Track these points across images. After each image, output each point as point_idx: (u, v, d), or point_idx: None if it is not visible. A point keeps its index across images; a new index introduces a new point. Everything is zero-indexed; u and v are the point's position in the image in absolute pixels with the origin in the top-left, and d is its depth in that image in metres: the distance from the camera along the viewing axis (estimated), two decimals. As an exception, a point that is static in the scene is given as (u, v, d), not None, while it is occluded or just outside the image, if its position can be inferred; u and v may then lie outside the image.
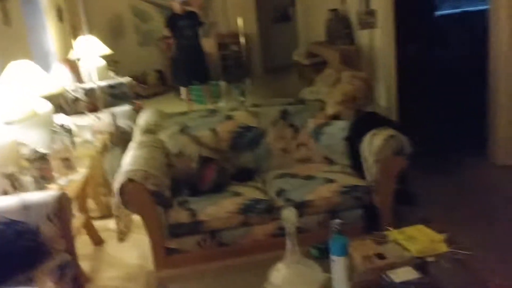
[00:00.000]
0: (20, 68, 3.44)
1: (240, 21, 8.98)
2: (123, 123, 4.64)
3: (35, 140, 3.37)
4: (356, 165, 3.01)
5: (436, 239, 2.08)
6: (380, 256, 1.95)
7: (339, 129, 3.23)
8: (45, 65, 5.26)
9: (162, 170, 2.88)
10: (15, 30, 4.84)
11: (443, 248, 2.03)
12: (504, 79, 3.98)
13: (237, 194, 2.86)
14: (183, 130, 3.28)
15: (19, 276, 2.17)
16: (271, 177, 3.10)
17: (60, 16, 6.96)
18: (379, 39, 5.16)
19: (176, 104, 7.52)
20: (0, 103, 2.90)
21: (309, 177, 2.97)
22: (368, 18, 5.13)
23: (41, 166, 2.96)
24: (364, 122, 3.15)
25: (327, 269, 1.82)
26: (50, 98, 3.63)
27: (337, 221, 1.85)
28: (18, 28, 4.97)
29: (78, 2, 5.60)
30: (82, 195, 3.34)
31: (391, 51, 4.95)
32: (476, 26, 4.57)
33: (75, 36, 6.76)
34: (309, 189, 2.83)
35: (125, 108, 5.23)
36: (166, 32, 6.83)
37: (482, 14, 4.47)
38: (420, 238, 2.09)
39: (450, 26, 6.16)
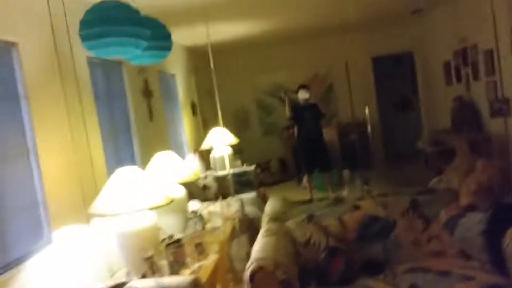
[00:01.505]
0: (164, 158, 3.80)
1: (365, 109, 9.09)
2: (249, 210, 4.80)
3: (170, 225, 3.62)
4: (498, 261, 2.78)
5: None
6: None
7: (475, 222, 3.03)
8: (180, 155, 5.71)
9: (290, 259, 2.89)
10: (157, 124, 5.38)
11: None
12: None
13: (365, 287, 2.76)
14: (310, 219, 3.30)
15: None
16: (401, 271, 2.96)
17: (193, 111, 7.62)
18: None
19: (297, 191, 7.64)
20: (143, 190, 3.19)
21: (444, 273, 2.79)
22: (501, 106, 4.92)
23: (176, 251, 3.13)
24: (504, 214, 2.94)
25: None
26: (184, 185, 3.91)
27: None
28: (160, 123, 5.52)
29: (210, 98, 6.13)
30: (212, 281, 3.44)
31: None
32: None
33: (205, 128, 7.33)
34: (446, 286, 2.64)
35: (250, 195, 5.43)
36: (291, 121, 7.15)
37: None
38: None
39: None
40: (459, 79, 7.05)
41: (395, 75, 10.68)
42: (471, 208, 3.17)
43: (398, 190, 3.71)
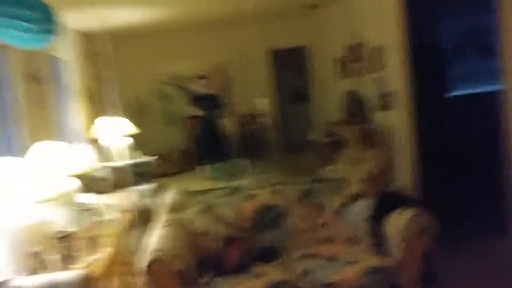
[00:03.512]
0: (51, 148, 3.58)
1: (260, 102, 9.30)
2: (148, 201, 4.72)
3: (62, 218, 3.45)
4: (381, 244, 3.00)
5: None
6: None
7: (362, 208, 3.25)
8: (74, 145, 5.45)
9: (188, 249, 2.90)
10: (47, 113, 5.07)
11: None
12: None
13: (261, 274, 2.84)
14: (208, 208, 3.33)
15: None
16: (295, 257, 3.09)
17: (90, 98, 7.30)
18: (398, 120, 5.28)
19: (199, 181, 7.62)
20: (31, 182, 3.01)
21: (334, 258, 2.95)
22: (386, 99, 5.28)
23: (67, 245, 3.01)
24: (388, 201, 3.17)
25: None
26: (78, 177, 3.75)
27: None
28: (50, 111, 5.21)
29: (106, 85, 5.91)
30: (107, 274, 3.34)
31: (410, 131, 5.05)
32: (489, 106, 4.67)
33: (102, 117, 7.04)
34: (335, 270, 2.80)
35: (149, 186, 5.33)
36: (190, 111, 7.09)
37: (494, 95, 4.58)
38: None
39: (464, 106, 6.30)
40: (350, 74, 7.45)
41: (291, 68, 11.05)
42: (360, 195, 3.38)
43: (292, 179, 3.85)
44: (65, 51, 6.41)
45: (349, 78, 7.51)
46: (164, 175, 7.95)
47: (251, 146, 9.61)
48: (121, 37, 8.28)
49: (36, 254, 2.78)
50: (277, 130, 10.13)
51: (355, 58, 7.04)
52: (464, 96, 7.02)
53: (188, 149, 9.42)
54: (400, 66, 5.04)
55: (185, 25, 8.73)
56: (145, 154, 6.64)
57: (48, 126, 5.07)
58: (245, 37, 9.57)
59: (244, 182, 7.33)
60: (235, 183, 6.99)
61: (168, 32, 9.14)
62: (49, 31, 3.36)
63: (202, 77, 7.00)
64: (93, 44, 7.59)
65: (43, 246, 2.91)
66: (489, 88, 6.44)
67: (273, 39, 9.67)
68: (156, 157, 6.34)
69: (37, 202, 2.98)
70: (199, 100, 6.94)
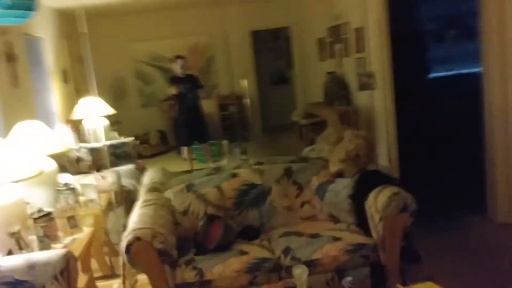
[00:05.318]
0: (27, 128, 3.50)
1: (243, 83, 9.24)
2: (126, 182, 4.66)
3: (40, 199, 3.39)
4: (361, 222, 3.02)
5: (446, 297, 2.08)
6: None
7: (343, 187, 3.26)
8: (49, 126, 5.34)
9: (169, 228, 2.87)
10: (22, 92, 4.96)
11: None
12: (499, 137, 4.07)
13: (243, 252, 2.84)
14: (189, 188, 3.30)
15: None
16: (276, 235, 3.09)
17: (65, 78, 7.15)
18: (378, 100, 5.30)
19: (178, 163, 7.58)
20: (7, 162, 2.93)
21: (315, 235, 2.97)
22: (367, 80, 5.29)
23: (46, 225, 2.95)
24: (368, 180, 3.19)
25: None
26: (54, 157, 3.67)
27: (349, 278, 1.85)
28: (25, 90, 5.09)
29: (83, 65, 5.77)
30: (86, 255, 3.30)
31: (390, 112, 5.08)
32: (468, 87, 4.72)
33: (78, 97, 6.91)
34: (316, 247, 2.82)
35: (128, 167, 5.27)
36: (171, 90, 6.98)
37: (475, 76, 4.63)
38: (430, 296, 2.08)
39: (444, 88, 6.35)
40: (332, 55, 7.44)
41: (273, 49, 11.00)
42: (339, 174, 3.40)
43: (273, 159, 3.84)
44: (41, 29, 6.25)
45: (330, 60, 7.51)
46: (143, 156, 7.89)
47: (232, 127, 9.59)
48: (99, 16, 8.12)
49: (13, 234, 2.72)
50: (258, 111, 10.12)
51: (337, 39, 7.03)
52: (443, 77, 7.09)
53: (166, 130, 9.34)
54: (381, 48, 5.04)
55: (165, 4, 8.58)
56: (122, 135, 6.55)
57: (23, 105, 4.96)
58: (226, 17, 9.47)
59: (224, 162, 7.34)
60: (214, 164, 7.00)
61: (147, 11, 8.99)
62: (27, 7, 3.27)
63: (180, 57, 6.88)
64: (69, 22, 7.40)
65: (20, 226, 2.86)
66: (467, 70, 6.53)
67: (254, 20, 9.60)
68: (133, 138, 6.25)
69: (14, 182, 2.91)
70: (177, 80, 6.83)
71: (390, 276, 2.78)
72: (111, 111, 6.22)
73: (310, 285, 2.40)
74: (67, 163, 5.14)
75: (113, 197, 4.05)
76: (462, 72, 6.94)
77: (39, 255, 2.47)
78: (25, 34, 5.45)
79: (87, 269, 3.36)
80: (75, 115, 6.04)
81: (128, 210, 3.16)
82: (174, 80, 6.90)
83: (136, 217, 2.88)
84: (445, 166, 5.08)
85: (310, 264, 2.69)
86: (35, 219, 2.95)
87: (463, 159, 4.75)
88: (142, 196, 3.30)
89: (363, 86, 5.45)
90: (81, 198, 3.71)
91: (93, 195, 3.82)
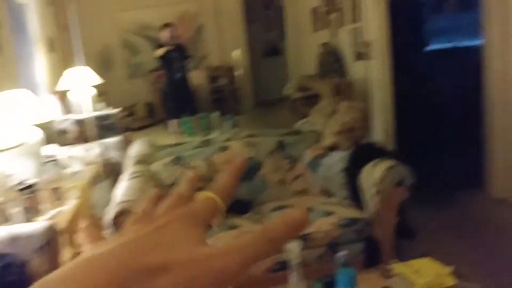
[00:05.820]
0: (11, 96, 3.36)
1: (234, 54, 9.05)
2: (113, 154, 4.54)
3: (23, 170, 3.27)
4: (355, 197, 2.95)
5: (443, 272, 2.02)
6: (389, 291, 1.88)
7: (336, 160, 3.18)
8: (35, 96, 5.17)
9: (156, 201, 2.77)
10: (4, 60, 4.77)
11: (451, 281, 1.97)
12: (499, 112, 3.99)
13: (234, 227, 2.77)
14: (177, 160, 3.20)
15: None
16: (267, 209, 3.02)
17: (51, 47, 6.93)
18: (375, 71, 5.17)
19: (165, 136, 7.44)
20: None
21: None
22: (363, 49, 5.16)
23: (29, 197, 2.85)
24: (362, 153, 3.11)
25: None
26: (40, 127, 3.55)
27: (343, 252, 1.77)
28: (8, 57, 4.90)
29: (69, 33, 5.59)
30: (71, 227, 3.21)
31: (387, 83, 4.97)
32: (468, 61, 4.61)
33: (66, 66, 6.71)
34: (309, 221, 2.74)
35: (114, 139, 5.14)
36: (156, 62, 6.80)
37: (474, 48, 4.53)
38: (427, 272, 2.02)
39: (442, 60, 6.24)
40: (326, 26, 7.27)
41: (265, 19, 10.76)
42: (333, 148, 3.31)
43: (265, 132, 3.74)
44: (24, -5, 6.01)
45: (324, 30, 7.34)
46: (130, 129, 7.73)
47: (222, 100, 9.43)
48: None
49: (-5, 206, 2.62)
50: (249, 84, 9.95)
51: (332, 8, 6.85)
52: (442, 50, 6.96)
53: (154, 102, 9.16)
54: (378, 18, 4.90)
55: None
56: (109, 106, 6.39)
57: (7, 74, 4.78)
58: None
59: (214, 135, 7.22)
60: (205, 137, 6.88)
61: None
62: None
63: (168, 25, 6.65)
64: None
65: (4, 198, 2.75)
66: (467, 42, 6.42)
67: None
68: (120, 109, 6.09)
69: (-4, 152, 2.80)
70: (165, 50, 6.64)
71: (385, 251, 2.72)
72: (98, 80, 6.06)
73: (303, 259, 2.34)
74: (54, 134, 5.00)
75: (99, 169, 3.94)
76: (461, 45, 6.82)
77: (23, 228, 2.38)
78: (7, 0, 5.23)
79: (72, 242, 3.27)
80: (62, 85, 5.88)
81: (115, 183, 3.06)
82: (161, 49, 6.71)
83: (123, 189, 2.78)
84: (442, 141, 5.00)
85: (302, 239, 2.62)
86: (19, 190, 2.85)
87: (461, 133, 4.68)
88: (129, 168, 3.19)
89: (359, 56, 5.32)
90: (67, 170, 3.60)
91: (78, 167, 3.72)
